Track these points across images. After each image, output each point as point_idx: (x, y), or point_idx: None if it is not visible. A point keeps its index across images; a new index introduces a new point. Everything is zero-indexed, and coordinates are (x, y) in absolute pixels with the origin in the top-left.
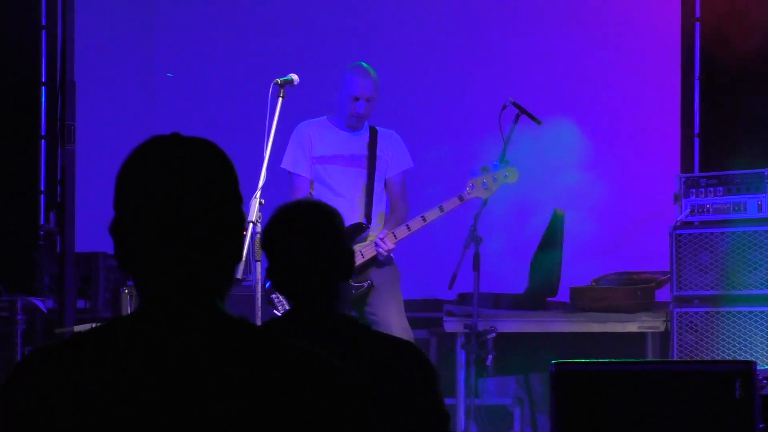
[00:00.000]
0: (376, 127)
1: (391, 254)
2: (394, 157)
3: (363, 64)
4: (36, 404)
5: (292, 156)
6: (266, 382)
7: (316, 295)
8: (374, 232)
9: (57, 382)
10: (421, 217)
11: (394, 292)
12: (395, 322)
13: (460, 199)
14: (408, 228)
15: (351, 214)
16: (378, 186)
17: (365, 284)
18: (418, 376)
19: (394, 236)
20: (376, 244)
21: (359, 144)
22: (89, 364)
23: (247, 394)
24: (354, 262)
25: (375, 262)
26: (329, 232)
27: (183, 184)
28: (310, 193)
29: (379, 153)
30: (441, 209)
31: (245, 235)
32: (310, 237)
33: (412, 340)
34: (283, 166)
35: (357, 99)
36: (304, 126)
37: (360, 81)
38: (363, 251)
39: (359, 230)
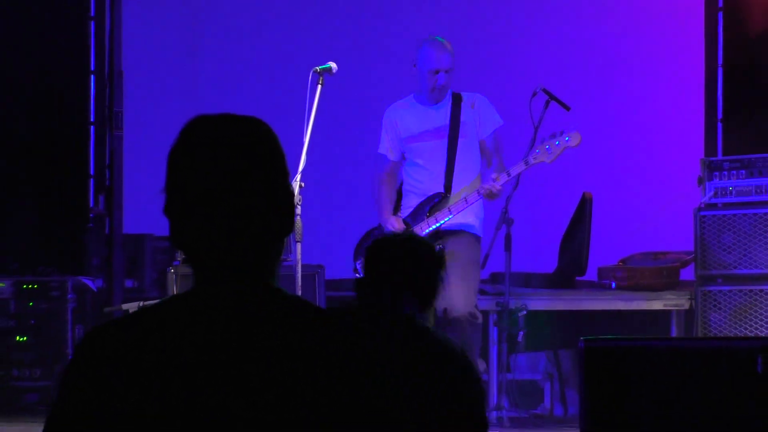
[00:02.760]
0: (461, 93)
1: (475, 226)
2: (482, 119)
3: (437, 38)
4: (99, 380)
5: (380, 140)
6: (321, 357)
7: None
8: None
9: (120, 359)
10: (506, 171)
11: (464, 264)
12: (458, 294)
13: (526, 163)
14: (508, 174)
15: (436, 185)
16: (462, 153)
17: (436, 248)
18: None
19: (508, 174)
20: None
21: (442, 115)
22: (150, 341)
23: (302, 369)
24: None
25: (452, 233)
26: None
27: (231, 160)
28: (388, 173)
29: (463, 119)
30: (508, 173)
31: (293, 210)
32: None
33: (472, 314)
34: (379, 150)
35: (437, 72)
36: (390, 110)
37: (436, 54)
38: (437, 216)
39: (435, 199)
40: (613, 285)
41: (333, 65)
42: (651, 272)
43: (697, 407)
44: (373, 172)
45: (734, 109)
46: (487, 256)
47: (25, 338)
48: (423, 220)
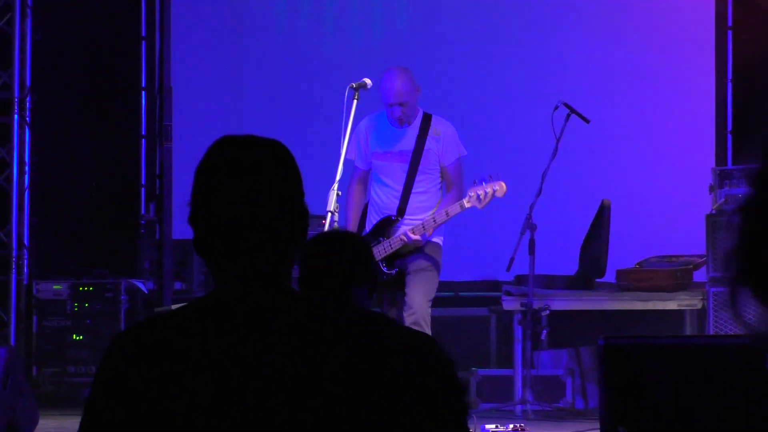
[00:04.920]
0: (431, 117)
1: (438, 242)
2: (444, 149)
3: (395, 69)
4: (129, 376)
5: (350, 148)
6: (333, 352)
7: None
8: (417, 220)
9: (147, 358)
10: (445, 211)
11: (424, 277)
12: (417, 303)
13: (461, 206)
14: (434, 221)
15: (392, 206)
16: (421, 178)
17: (394, 271)
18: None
19: (423, 228)
20: (406, 236)
21: (408, 139)
22: (176, 341)
23: (315, 363)
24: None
25: (412, 250)
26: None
27: (251, 181)
28: (358, 181)
29: (427, 146)
30: (446, 213)
31: (307, 226)
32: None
33: (423, 322)
34: (347, 156)
35: (391, 105)
36: (363, 122)
37: (387, 89)
38: (392, 243)
39: (387, 224)
40: (631, 286)
41: (368, 81)
42: (666, 274)
43: (708, 400)
44: (350, 181)
45: (743, 121)
46: (512, 260)
47: (81, 337)
48: (379, 243)
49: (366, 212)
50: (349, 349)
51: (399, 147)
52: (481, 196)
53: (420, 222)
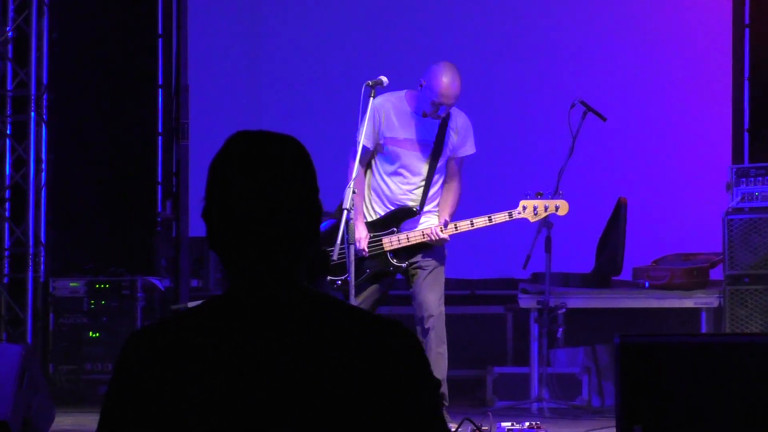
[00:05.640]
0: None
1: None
2: (460, 143)
3: (452, 68)
4: (143, 376)
5: (364, 127)
6: (338, 351)
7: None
8: (431, 214)
9: (162, 358)
10: (488, 217)
11: (436, 274)
12: (433, 305)
13: (509, 215)
14: (471, 224)
15: (407, 197)
16: (439, 172)
17: (404, 264)
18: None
19: (455, 228)
20: (431, 231)
21: (430, 129)
22: (191, 341)
23: (329, 360)
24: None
25: (424, 245)
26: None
27: (267, 176)
28: (362, 162)
29: (447, 139)
30: (489, 219)
31: (321, 222)
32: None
33: (439, 323)
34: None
35: (440, 105)
36: (380, 103)
37: (446, 90)
38: (409, 236)
39: (405, 215)
40: (647, 284)
41: (384, 79)
42: (682, 272)
43: (725, 398)
44: (352, 156)
45: (760, 119)
46: (528, 257)
47: (97, 334)
48: (393, 233)
49: (368, 199)
50: (355, 348)
51: (420, 136)
52: (539, 210)
53: (435, 218)
